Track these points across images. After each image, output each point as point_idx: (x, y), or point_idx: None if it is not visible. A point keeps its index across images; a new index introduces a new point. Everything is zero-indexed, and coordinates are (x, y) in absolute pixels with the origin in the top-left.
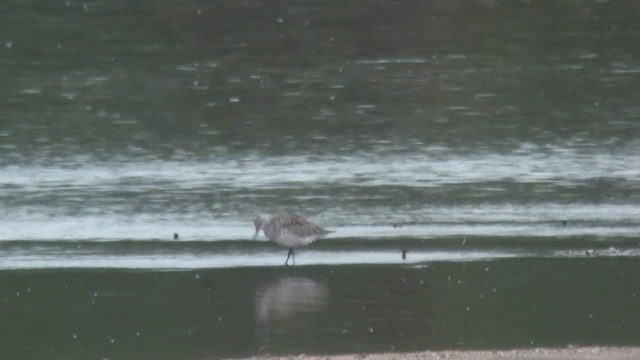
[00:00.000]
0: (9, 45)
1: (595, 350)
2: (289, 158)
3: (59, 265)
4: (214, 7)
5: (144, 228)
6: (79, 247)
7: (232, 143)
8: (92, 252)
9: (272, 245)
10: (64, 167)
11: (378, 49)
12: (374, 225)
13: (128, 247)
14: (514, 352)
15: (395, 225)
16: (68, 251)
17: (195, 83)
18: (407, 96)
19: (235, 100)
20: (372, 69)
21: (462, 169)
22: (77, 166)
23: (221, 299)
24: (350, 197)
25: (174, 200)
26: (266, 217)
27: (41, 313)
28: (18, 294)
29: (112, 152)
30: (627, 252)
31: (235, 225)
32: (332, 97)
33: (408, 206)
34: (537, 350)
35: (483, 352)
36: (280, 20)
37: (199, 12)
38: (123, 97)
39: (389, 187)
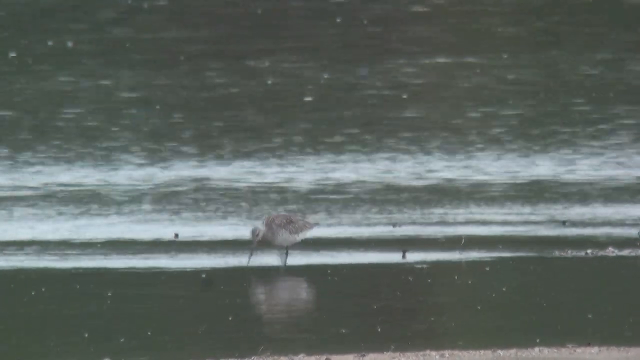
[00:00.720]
0: (70, 44)
1: (594, 349)
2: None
3: (68, 266)
4: (273, 7)
5: (149, 228)
6: (98, 246)
7: (270, 141)
8: (100, 252)
9: (267, 245)
10: (111, 166)
11: (435, 48)
12: (374, 225)
13: (131, 247)
14: (513, 351)
15: (395, 225)
16: (73, 251)
17: (270, 82)
18: (447, 96)
19: (308, 99)
20: (435, 67)
21: (462, 169)
22: (118, 166)
23: (221, 299)
24: (350, 197)
25: (186, 199)
26: (260, 225)
27: (55, 312)
28: (33, 292)
29: (163, 152)
30: (626, 252)
31: (236, 225)
32: (405, 96)
33: (408, 206)
34: (536, 349)
35: (482, 352)
36: (339, 20)
37: (259, 12)
38: (188, 96)
39: (388, 186)
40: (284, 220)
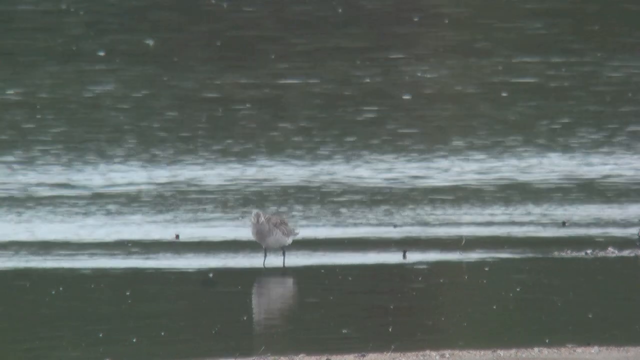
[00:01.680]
0: (150, 42)
1: (594, 349)
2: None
3: (70, 266)
4: (350, 7)
5: (150, 228)
6: (129, 245)
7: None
8: (100, 252)
9: (257, 246)
10: (173, 164)
11: (519, 46)
12: (374, 225)
13: (132, 247)
14: (513, 351)
15: (395, 225)
16: (73, 251)
17: (368, 80)
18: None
19: (407, 97)
20: (529, 67)
21: (462, 169)
22: (181, 165)
23: (222, 299)
24: (350, 197)
25: (196, 200)
26: (261, 214)
27: (71, 311)
28: (53, 292)
29: (235, 151)
30: (625, 252)
31: (236, 225)
32: (504, 94)
33: (408, 206)
34: (536, 349)
35: (482, 352)
36: (416, 19)
37: (340, 11)
38: (278, 95)
39: (389, 186)
40: (278, 220)
